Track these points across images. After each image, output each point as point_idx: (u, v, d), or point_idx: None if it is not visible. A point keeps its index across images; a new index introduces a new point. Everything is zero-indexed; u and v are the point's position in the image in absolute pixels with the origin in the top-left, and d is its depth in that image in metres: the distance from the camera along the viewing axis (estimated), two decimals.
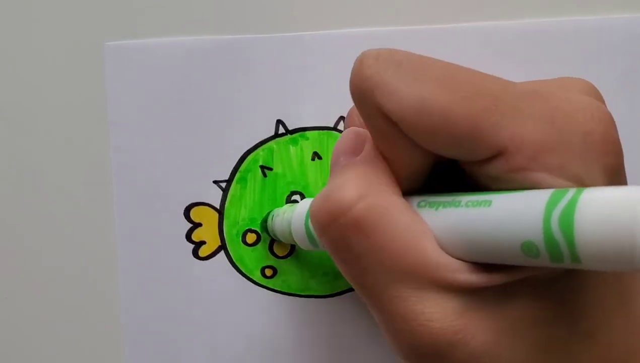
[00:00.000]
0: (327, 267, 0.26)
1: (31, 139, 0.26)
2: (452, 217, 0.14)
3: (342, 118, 0.25)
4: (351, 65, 0.25)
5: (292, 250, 0.26)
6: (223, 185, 0.25)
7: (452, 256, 0.14)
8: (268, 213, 0.25)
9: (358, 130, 0.17)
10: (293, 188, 0.25)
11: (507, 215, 0.13)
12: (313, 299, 0.26)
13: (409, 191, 0.16)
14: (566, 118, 0.14)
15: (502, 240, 0.13)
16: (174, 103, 0.25)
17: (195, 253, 0.25)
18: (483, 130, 0.13)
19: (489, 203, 0.13)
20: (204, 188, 0.25)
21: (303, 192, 0.25)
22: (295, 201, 0.25)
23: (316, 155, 0.25)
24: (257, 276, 0.26)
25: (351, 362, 0.26)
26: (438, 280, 0.14)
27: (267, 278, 0.26)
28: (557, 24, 0.25)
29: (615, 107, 0.25)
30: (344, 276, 0.16)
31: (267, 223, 0.24)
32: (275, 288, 0.26)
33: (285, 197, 0.25)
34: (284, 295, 0.26)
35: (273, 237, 0.25)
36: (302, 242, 0.21)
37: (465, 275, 0.14)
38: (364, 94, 0.15)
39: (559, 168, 0.13)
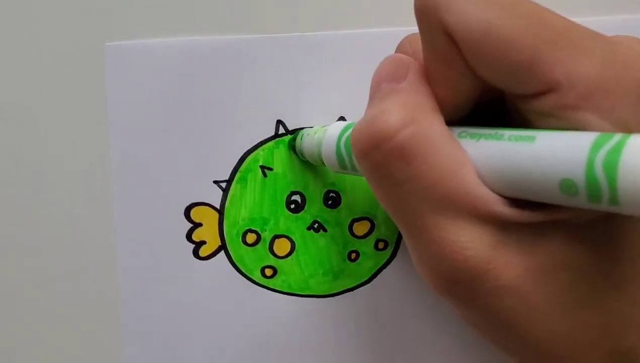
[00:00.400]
0: (326, 267, 0.26)
1: (31, 139, 0.26)
2: (493, 150, 0.14)
3: (342, 118, 0.25)
4: (351, 66, 0.25)
5: (292, 250, 0.26)
6: (223, 185, 0.25)
7: (491, 189, 0.15)
8: (298, 132, 0.25)
9: (400, 56, 0.17)
10: (293, 189, 0.25)
11: (550, 151, 0.13)
12: (313, 299, 0.26)
13: (451, 121, 0.16)
14: (624, 64, 0.14)
15: (542, 176, 0.13)
16: (174, 103, 0.25)
17: (195, 253, 0.25)
18: (541, 62, 0.13)
19: (532, 138, 0.14)
20: (204, 188, 0.25)
21: (303, 192, 0.25)
22: (296, 201, 0.25)
23: None
24: (257, 276, 0.26)
25: (351, 362, 0.26)
26: (475, 210, 0.14)
27: (267, 278, 0.26)
28: None
29: None
30: (381, 202, 0.16)
31: (296, 142, 0.24)
32: (275, 288, 0.26)
33: (285, 197, 0.25)
34: (283, 295, 0.26)
35: (300, 156, 0.24)
36: (331, 165, 0.21)
37: (502, 208, 0.14)
38: (429, 8, 0.15)
39: (609, 111, 0.13)
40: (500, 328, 0.15)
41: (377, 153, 0.15)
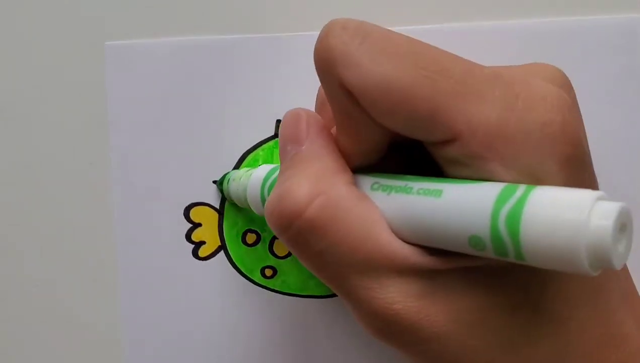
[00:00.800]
0: None
1: (31, 138, 0.26)
2: (403, 204, 0.15)
3: None
4: None
5: None
6: None
7: (405, 241, 0.15)
8: (224, 175, 0.25)
9: (298, 112, 0.18)
10: None
11: (456, 208, 0.13)
12: (312, 299, 0.26)
13: (364, 167, 0.16)
14: (526, 106, 0.13)
15: (450, 231, 0.13)
16: (174, 103, 0.25)
17: (195, 254, 0.25)
18: (441, 112, 0.13)
19: (439, 193, 0.14)
20: (203, 188, 0.25)
21: None
22: None
23: None
24: (256, 276, 0.26)
25: (350, 362, 0.26)
26: (394, 266, 0.15)
27: (267, 278, 0.26)
28: (555, 24, 0.25)
29: (612, 107, 0.25)
30: (307, 267, 0.17)
31: (223, 186, 0.24)
32: (275, 289, 0.26)
33: None
34: (283, 295, 0.26)
35: (227, 198, 0.25)
36: (257, 209, 0.21)
37: (419, 259, 0.14)
38: (326, 65, 0.14)
39: (513, 158, 0.13)
40: None
41: (291, 230, 0.15)
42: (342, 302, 0.16)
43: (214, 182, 0.25)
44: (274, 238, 0.26)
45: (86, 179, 0.26)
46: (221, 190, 0.25)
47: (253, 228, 0.26)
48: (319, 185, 0.15)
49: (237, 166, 0.25)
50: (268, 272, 0.26)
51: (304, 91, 0.25)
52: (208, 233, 0.25)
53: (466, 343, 0.14)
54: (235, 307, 0.25)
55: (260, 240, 0.26)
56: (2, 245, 0.26)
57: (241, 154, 0.25)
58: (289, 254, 0.26)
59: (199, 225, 0.25)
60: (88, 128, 0.26)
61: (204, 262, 0.25)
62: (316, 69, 0.15)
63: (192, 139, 0.25)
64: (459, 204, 0.13)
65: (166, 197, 0.25)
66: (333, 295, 0.26)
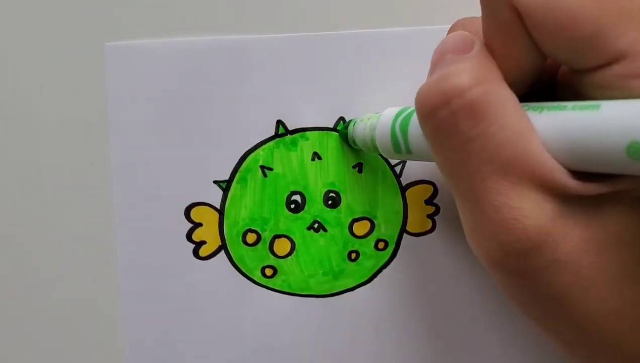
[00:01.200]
0: (326, 267, 0.26)
1: (31, 139, 0.26)
2: (557, 120, 0.14)
3: (341, 118, 0.25)
4: (351, 66, 0.25)
5: (292, 250, 0.26)
6: (223, 185, 0.25)
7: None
8: (349, 122, 0.25)
9: (464, 32, 0.17)
10: (293, 189, 0.25)
11: (617, 115, 0.13)
12: (313, 299, 0.26)
13: None
14: None
15: (608, 141, 0.13)
16: (174, 103, 0.25)
17: (195, 253, 0.25)
18: (606, 34, 0.14)
19: (597, 106, 0.13)
20: (204, 188, 0.25)
21: (303, 192, 0.25)
22: (296, 201, 0.25)
23: (316, 156, 0.25)
24: (257, 276, 0.26)
25: (350, 362, 0.26)
26: (539, 178, 0.14)
27: (267, 278, 0.26)
28: None
29: None
30: (441, 166, 0.16)
31: (348, 130, 0.24)
32: (275, 288, 0.26)
33: (285, 197, 0.25)
34: (283, 295, 0.26)
35: (352, 144, 0.25)
36: (385, 149, 0.21)
37: (566, 179, 0.14)
38: None
39: None
40: (549, 304, 0.15)
41: (446, 110, 0.15)
42: (462, 209, 0.15)
43: (215, 182, 0.25)
44: (274, 238, 0.26)
45: (87, 179, 0.26)
46: (345, 138, 0.25)
47: (253, 228, 0.26)
48: (488, 74, 0.15)
49: (238, 166, 0.25)
50: (268, 272, 0.26)
51: (304, 91, 0.25)
52: (208, 233, 0.25)
53: (583, 275, 0.14)
54: (235, 306, 0.26)
55: (261, 240, 0.26)
56: (2, 246, 0.26)
57: (241, 154, 0.25)
58: (289, 254, 0.26)
59: (200, 225, 0.25)
60: (88, 128, 0.26)
61: (205, 261, 0.25)
62: None
63: (193, 139, 0.25)
64: (619, 113, 0.13)
65: (166, 197, 0.25)
66: (333, 295, 0.26)
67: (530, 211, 0.14)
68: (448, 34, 0.19)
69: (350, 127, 0.24)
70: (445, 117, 0.15)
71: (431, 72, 0.17)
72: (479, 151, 0.14)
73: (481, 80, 0.15)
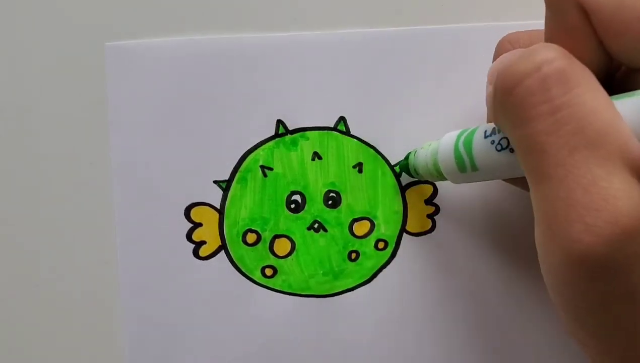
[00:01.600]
0: (327, 267, 0.26)
1: (31, 139, 0.26)
2: (634, 105, 0.14)
3: (342, 118, 0.25)
4: (351, 65, 0.25)
5: (292, 250, 0.26)
6: (223, 185, 0.25)
7: None
8: (408, 153, 0.25)
9: (517, 50, 0.17)
10: (293, 188, 0.25)
11: None
12: (313, 299, 0.26)
13: None
14: None
15: None
16: (175, 103, 0.25)
17: (195, 253, 0.25)
18: None
19: None
20: (204, 188, 0.25)
21: (303, 192, 0.25)
22: (296, 201, 0.25)
23: (316, 155, 0.25)
24: (257, 276, 0.26)
25: (351, 362, 0.26)
26: (628, 157, 0.13)
27: (267, 278, 0.26)
28: None
29: None
30: (523, 141, 0.15)
31: (408, 161, 0.24)
32: (276, 288, 0.26)
33: (285, 197, 0.25)
34: (284, 295, 0.26)
35: (414, 174, 0.24)
36: (448, 170, 0.21)
37: None
38: None
39: None
40: (624, 306, 0.13)
41: (535, 76, 0.14)
42: (538, 192, 0.14)
43: (215, 182, 0.25)
44: (274, 238, 0.26)
45: (87, 179, 0.26)
46: (406, 169, 0.25)
47: (253, 228, 0.26)
48: (569, 54, 0.14)
49: (238, 166, 0.25)
50: (268, 272, 0.26)
51: (304, 90, 0.25)
52: (208, 233, 0.25)
53: None
54: (235, 306, 0.26)
55: (261, 240, 0.26)
56: (2, 245, 0.26)
57: (241, 154, 0.25)
58: (289, 254, 0.26)
59: (200, 225, 0.25)
60: (88, 128, 0.26)
61: (205, 261, 0.25)
62: None
63: (192, 138, 0.25)
64: None
65: (167, 197, 0.25)
66: (333, 295, 0.26)
67: (623, 191, 0.13)
68: (495, 53, 0.19)
69: (411, 157, 0.24)
70: (535, 83, 0.14)
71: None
72: (569, 120, 0.14)
73: (567, 55, 0.14)
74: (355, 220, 0.26)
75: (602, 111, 0.13)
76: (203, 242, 0.25)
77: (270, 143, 0.25)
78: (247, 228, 0.26)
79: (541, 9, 0.25)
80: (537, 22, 0.25)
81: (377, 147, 0.25)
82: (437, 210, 0.26)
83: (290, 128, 0.25)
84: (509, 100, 0.15)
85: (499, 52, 0.19)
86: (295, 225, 0.26)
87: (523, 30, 0.21)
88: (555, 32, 0.16)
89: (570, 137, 0.13)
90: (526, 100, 0.14)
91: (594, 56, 0.15)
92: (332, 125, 0.25)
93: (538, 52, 0.14)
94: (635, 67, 0.15)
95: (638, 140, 0.13)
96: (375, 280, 0.26)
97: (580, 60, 0.15)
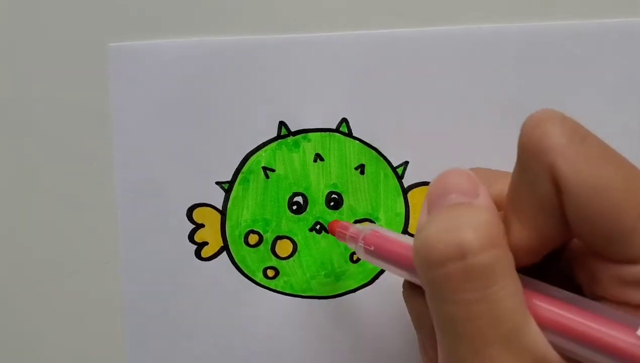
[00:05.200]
0: (328, 269, 0.26)
1: (34, 139, 0.26)
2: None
3: (344, 120, 0.25)
4: (353, 67, 0.25)
5: (294, 251, 0.26)
6: (225, 186, 0.25)
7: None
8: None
9: (468, 172, 0.17)
10: (295, 190, 0.25)
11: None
12: (314, 300, 0.26)
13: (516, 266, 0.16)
14: None
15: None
16: (177, 104, 0.25)
17: (197, 254, 0.25)
18: None
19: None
20: (206, 189, 0.25)
21: (305, 194, 0.25)
22: (298, 203, 0.25)
23: (318, 157, 0.25)
24: (259, 277, 0.26)
25: (352, 362, 0.26)
26: (537, 355, 0.14)
27: (269, 279, 0.26)
28: (557, 27, 0.25)
29: (614, 111, 0.25)
30: (440, 319, 0.15)
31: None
32: (277, 289, 0.26)
33: (287, 199, 0.25)
34: (285, 296, 0.26)
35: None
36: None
37: (559, 360, 0.14)
38: (541, 150, 0.14)
39: None
40: None
41: (458, 264, 0.14)
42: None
43: (217, 183, 0.25)
44: (276, 239, 0.26)
45: (90, 179, 0.26)
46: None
47: (255, 229, 0.26)
48: (501, 238, 0.15)
49: (240, 167, 0.25)
50: (270, 273, 0.26)
51: (306, 92, 0.25)
52: (211, 234, 0.25)
53: None
54: (237, 307, 0.26)
55: (263, 241, 0.26)
56: (6, 245, 0.26)
57: (243, 155, 0.25)
58: (291, 255, 0.26)
59: (202, 226, 0.25)
60: (91, 129, 0.26)
61: (207, 262, 0.26)
62: (524, 151, 0.15)
63: (195, 139, 0.25)
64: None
65: (169, 197, 0.25)
66: (335, 296, 0.26)
67: None
68: (445, 176, 0.18)
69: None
70: (456, 271, 0.14)
71: (431, 207, 0.16)
72: (485, 315, 0.14)
73: (494, 243, 0.14)
74: (357, 221, 0.26)
75: (516, 310, 0.14)
76: (205, 243, 0.26)
77: (273, 144, 0.25)
78: (249, 229, 0.26)
79: (541, 9, 0.25)
80: (538, 23, 0.25)
81: (380, 149, 0.25)
82: None
83: (293, 129, 0.25)
84: (430, 275, 0.15)
85: (448, 176, 0.18)
86: (297, 226, 0.26)
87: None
88: (521, 194, 0.15)
89: (486, 329, 0.14)
90: (447, 284, 0.14)
91: (556, 229, 0.15)
92: (334, 127, 0.25)
93: (465, 233, 0.14)
94: (597, 251, 0.15)
95: (546, 340, 0.14)
96: (377, 281, 0.26)
97: (539, 229, 0.15)
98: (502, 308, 0.14)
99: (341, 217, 0.26)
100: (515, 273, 0.14)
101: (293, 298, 0.26)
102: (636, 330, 0.13)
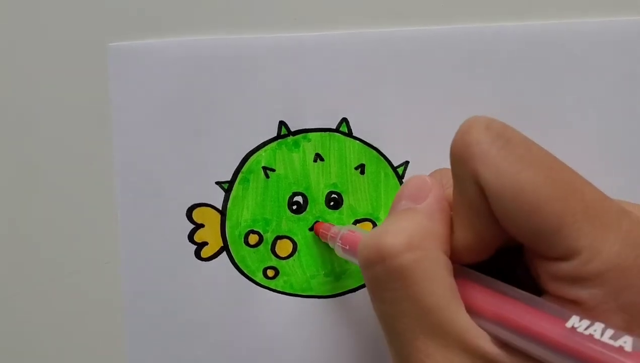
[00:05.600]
0: (328, 268, 0.26)
1: (34, 140, 0.26)
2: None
3: (344, 120, 0.25)
4: (353, 66, 0.25)
5: (294, 251, 0.26)
6: (225, 186, 0.25)
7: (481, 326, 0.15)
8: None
9: (425, 178, 0.18)
10: (295, 190, 0.25)
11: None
12: (314, 299, 0.26)
13: (469, 262, 0.17)
14: None
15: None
16: (177, 104, 0.25)
17: (197, 254, 0.25)
18: (567, 229, 0.14)
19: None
20: (206, 189, 0.25)
21: (305, 193, 0.25)
22: (298, 202, 0.25)
23: (318, 157, 0.25)
24: (259, 277, 0.26)
25: (353, 362, 0.26)
26: (465, 342, 0.15)
27: (269, 279, 0.26)
28: (557, 27, 0.25)
29: (614, 110, 0.25)
30: (378, 315, 0.17)
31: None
32: (277, 289, 0.26)
33: (287, 198, 0.25)
34: (285, 296, 0.26)
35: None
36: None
37: (490, 346, 0.15)
38: (465, 157, 0.15)
39: (619, 291, 0.14)
40: None
41: (380, 266, 0.16)
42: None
43: (217, 183, 0.25)
44: (276, 239, 0.26)
45: (89, 179, 0.26)
46: None
47: (255, 229, 0.26)
48: (423, 241, 0.16)
49: (240, 167, 0.25)
50: (270, 273, 0.26)
51: (306, 92, 0.25)
52: (210, 234, 0.25)
53: None
54: (237, 307, 0.26)
55: (262, 241, 0.26)
56: (6, 245, 0.26)
57: (243, 155, 0.25)
58: (291, 255, 0.26)
59: (202, 226, 0.25)
60: (91, 129, 0.26)
61: (207, 262, 0.26)
62: (452, 158, 0.16)
63: (195, 139, 0.25)
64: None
65: (169, 197, 0.25)
66: (335, 295, 0.26)
67: None
68: (411, 183, 0.20)
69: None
70: (380, 273, 0.16)
71: (388, 216, 0.18)
72: (410, 312, 0.15)
73: (416, 246, 0.16)
74: (357, 221, 0.26)
75: (440, 306, 0.15)
76: (205, 243, 0.26)
77: (273, 144, 0.25)
78: (249, 229, 0.26)
79: (541, 9, 0.25)
80: (537, 22, 0.25)
81: (380, 149, 0.25)
82: None
83: (293, 129, 0.25)
84: (364, 274, 0.17)
85: (406, 183, 0.19)
86: (297, 226, 0.26)
87: None
88: (456, 198, 0.16)
89: (410, 325, 0.16)
90: (375, 284, 0.16)
91: (490, 230, 0.16)
92: (334, 127, 0.25)
93: (388, 239, 0.16)
94: (530, 248, 0.15)
95: (480, 331, 0.15)
96: None
97: (476, 230, 0.16)
98: (425, 306, 0.15)
99: (341, 217, 0.26)
100: (444, 271, 0.16)
101: (293, 298, 0.26)
102: (565, 322, 0.13)
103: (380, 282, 0.16)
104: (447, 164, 0.22)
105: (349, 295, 0.26)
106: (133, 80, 0.25)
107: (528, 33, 0.25)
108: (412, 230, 0.16)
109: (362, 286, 0.26)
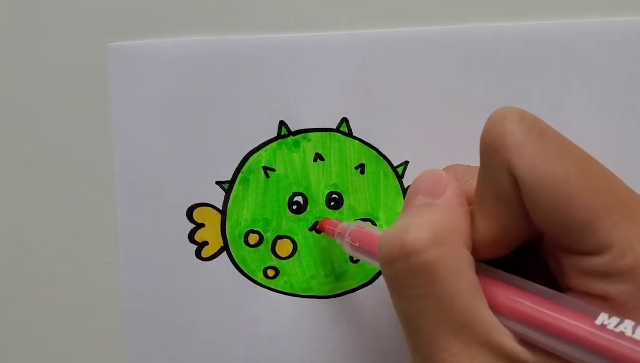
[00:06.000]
0: (328, 268, 0.26)
1: (34, 140, 0.26)
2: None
3: (344, 120, 0.25)
4: (353, 66, 0.25)
5: (294, 251, 0.26)
6: (226, 186, 0.25)
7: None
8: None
9: (440, 173, 0.18)
10: (295, 189, 0.25)
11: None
12: (315, 300, 0.26)
13: (486, 258, 0.17)
14: None
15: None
16: (177, 104, 0.25)
17: (197, 254, 0.25)
18: (599, 223, 0.14)
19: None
20: (206, 189, 0.25)
21: (305, 193, 0.25)
22: (298, 202, 0.25)
23: (318, 157, 0.25)
24: (259, 277, 0.26)
25: (353, 362, 0.26)
26: (488, 342, 0.15)
27: (269, 278, 0.26)
28: (557, 27, 0.25)
29: (614, 110, 0.25)
30: (398, 313, 0.16)
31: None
32: (277, 289, 0.26)
33: (287, 198, 0.25)
34: (285, 296, 0.26)
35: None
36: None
37: (514, 345, 0.15)
38: (498, 147, 0.15)
39: None
40: None
41: (404, 263, 0.15)
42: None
43: (217, 182, 0.25)
44: (276, 239, 0.26)
45: (90, 179, 0.26)
46: None
47: (255, 229, 0.26)
48: (448, 236, 0.15)
49: (240, 167, 0.25)
50: (270, 273, 0.26)
51: (306, 92, 0.25)
52: (211, 234, 0.25)
53: None
54: (237, 307, 0.26)
55: (263, 240, 0.26)
56: (6, 245, 0.26)
57: (244, 155, 0.25)
58: (291, 255, 0.26)
59: (202, 225, 0.25)
60: (91, 129, 0.26)
61: (207, 262, 0.26)
62: (483, 147, 0.16)
63: (195, 139, 0.25)
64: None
65: (169, 197, 0.25)
66: (335, 296, 0.26)
67: None
68: (421, 178, 0.20)
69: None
70: (402, 270, 0.15)
71: (403, 211, 0.18)
72: (434, 309, 0.15)
73: (440, 241, 0.15)
74: (358, 221, 0.26)
75: (465, 304, 0.15)
76: (205, 243, 0.26)
77: (273, 144, 0.25)
78: (249, 229, 0.26)
79: (541, 8, 0.25)
80: (537, 22, 0.25)
81: (380, 149, 0.25)
82: None
83: (293, 129, 0.25)
84: (385, 273, 0.16)
85: (420, 178, 0.19)
86: (297, 226, 0.26)
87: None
88: (484, 189, 0.16)
89: (434, 323, 0.15)
90: (397, 281, 0.16)
91: (518, 223, 0.15)
92: (334, 127, 0.25)
93: (411, 234, 0.15)
94: (559, 243, 0.15)
95: (504, 329, 0.15)
96: (376, 281, 0.26)
97: (502, 223, 0.16)
98: (450, 303, 0.15)
99: (341, 217, 0.26)
100: (468, 267, 0.15)
101: (293, 298, 0.26)
102: (594, 319, 0.13)
103: (403, 279, 0.16)
104: (447, 164, 0.22)
105: (349, 295, 0.26)
106: (133, 80, 0.25)
107: (528, 33, 0.25)
108: (436, 225, 0.15)
109: (362, 286, 0.26)
